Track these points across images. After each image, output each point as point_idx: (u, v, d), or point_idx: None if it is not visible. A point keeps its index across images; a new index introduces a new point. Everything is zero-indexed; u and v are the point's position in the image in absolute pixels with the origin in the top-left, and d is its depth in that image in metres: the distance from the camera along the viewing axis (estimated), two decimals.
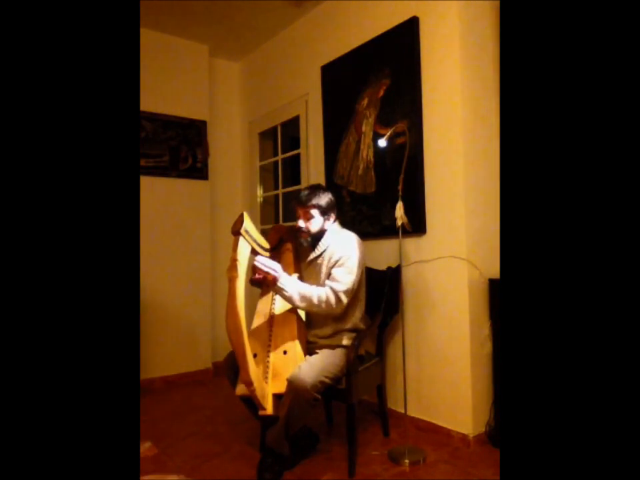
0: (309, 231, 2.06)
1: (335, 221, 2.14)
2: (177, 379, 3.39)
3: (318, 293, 1.91)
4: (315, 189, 2.08)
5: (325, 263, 2.03)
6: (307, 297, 1.90)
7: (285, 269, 2.07)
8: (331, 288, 1.92)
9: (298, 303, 1.91)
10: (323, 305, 1.91)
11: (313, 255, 2.09)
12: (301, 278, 2.10)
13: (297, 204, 2.09)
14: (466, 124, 2.20)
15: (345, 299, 1.93)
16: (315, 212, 2.04)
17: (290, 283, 1.91)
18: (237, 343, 1.65)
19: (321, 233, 2.07)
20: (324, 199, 2.05)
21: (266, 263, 1.87)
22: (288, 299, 1.92)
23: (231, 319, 1.65)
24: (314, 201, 2.02)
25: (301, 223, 2.06)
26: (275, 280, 1.88)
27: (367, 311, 2.17)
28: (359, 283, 2.02)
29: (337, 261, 1.98)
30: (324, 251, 2.06)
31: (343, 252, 1.99)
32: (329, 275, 2.00)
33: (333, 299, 1.91)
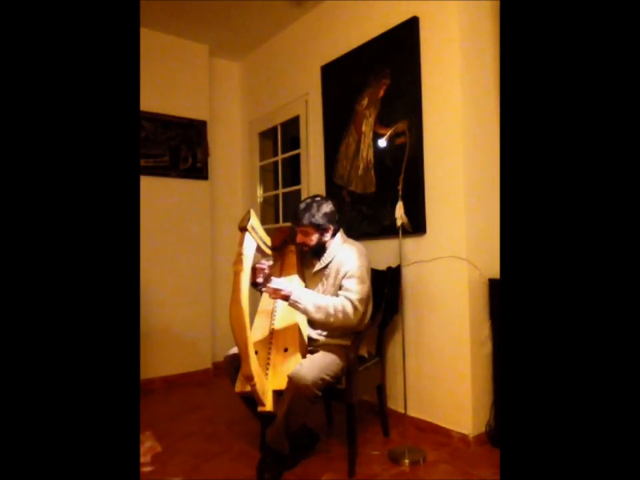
0: (308, 246, 2.08)
1: (337, 232, 2.13)
2: (176, 379, 3.39)
3: (334, 303, 1.92)
4: (309, 206, 2.05)
5: (333, 274, 2.04)
6: (323, 306, 1.90)
7: (288, 270, 2.08)
8: (346, 297, 1.93)
9: (313, 314, 1.90)
10: (340, 315, 1.90)
11: (318, 266, 2.10)
12: (305, 282, 2.13)
13: (292, 222, 2.10)
14: (466, 124, 2.20)
15: (360, 307, 1.94)
16: (310, 229, 2.04)
17: (304, 295, 1.92)
18: (240, 336, 1.67)
19: (322, 245, 2.09)
20: (317, 215, 2.02)
21: (277, 284, 1.89)
22: (303, 311, 1.92)
23: (234, 311, 1.67)
24: (305, 221, 2.02)
25: (300, 239, 2.09)
26: (287, 296, 1.89)
27: None
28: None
29: (346, 273, 1.99)
30: (330, 262, 2.07)
31: (351, 264, 1.99)
32: (339, 287, 2.00)
33: (349, 307, 1.91)
